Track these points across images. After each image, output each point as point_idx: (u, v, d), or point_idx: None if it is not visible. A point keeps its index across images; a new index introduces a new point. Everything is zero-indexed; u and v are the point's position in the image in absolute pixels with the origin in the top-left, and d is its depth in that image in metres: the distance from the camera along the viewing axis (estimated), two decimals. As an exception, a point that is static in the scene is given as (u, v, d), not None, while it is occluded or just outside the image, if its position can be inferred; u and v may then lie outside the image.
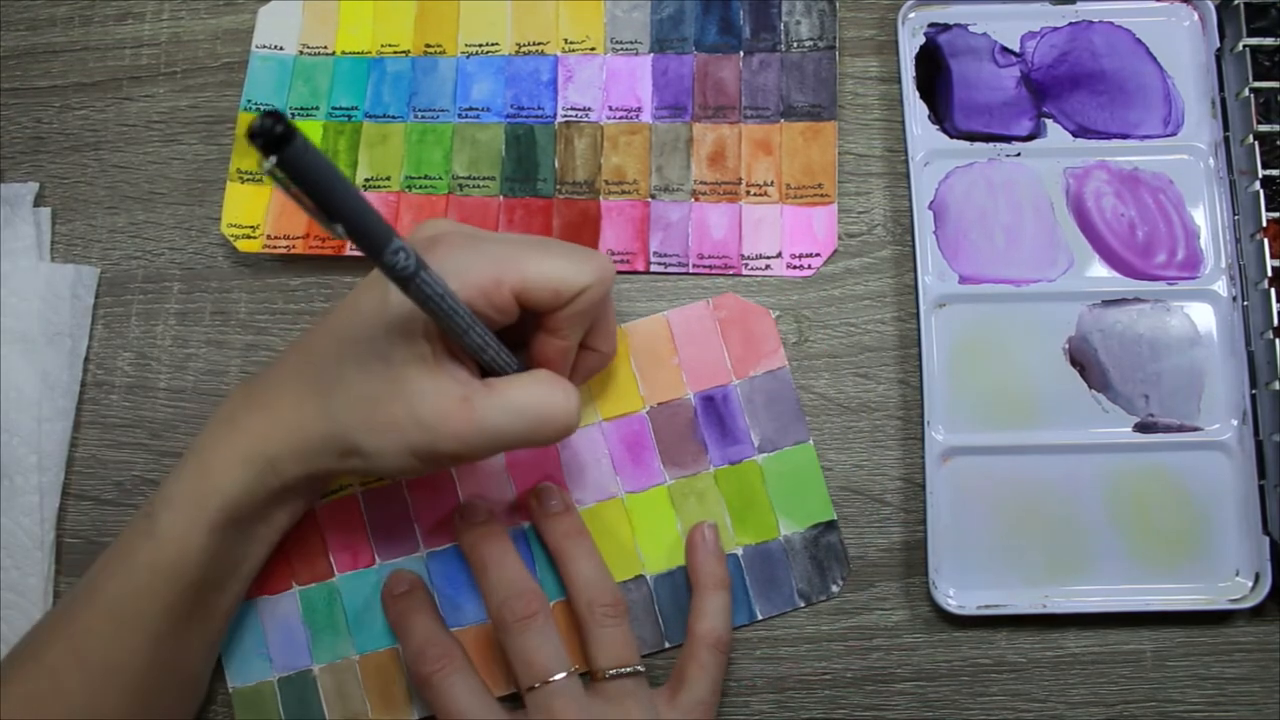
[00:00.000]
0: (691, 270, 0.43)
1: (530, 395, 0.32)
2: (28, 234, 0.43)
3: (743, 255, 0.42)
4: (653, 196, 0.43)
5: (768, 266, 0.42)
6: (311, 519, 0.40)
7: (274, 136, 0.22)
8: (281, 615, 0.40)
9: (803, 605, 0.39)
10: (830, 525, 0.40)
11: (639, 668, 0.36)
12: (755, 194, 0.43)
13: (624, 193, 0.43)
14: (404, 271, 0.27)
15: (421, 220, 0.40)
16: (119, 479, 0.42)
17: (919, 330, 0.41)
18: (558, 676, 0.34)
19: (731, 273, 0.42)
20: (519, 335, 0.35)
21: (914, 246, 0.42)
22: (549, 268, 0.32)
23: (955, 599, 0.39)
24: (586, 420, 0.41)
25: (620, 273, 0.43)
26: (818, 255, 0.42)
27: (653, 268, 0.43)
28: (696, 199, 0.43)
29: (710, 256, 0.43)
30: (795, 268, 0.42)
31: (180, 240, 0.44)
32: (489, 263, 0.32)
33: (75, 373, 0.42)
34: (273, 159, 0.22)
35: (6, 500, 0.40)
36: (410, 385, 0.31)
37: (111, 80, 0.46)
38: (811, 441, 0.41)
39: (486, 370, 0.34)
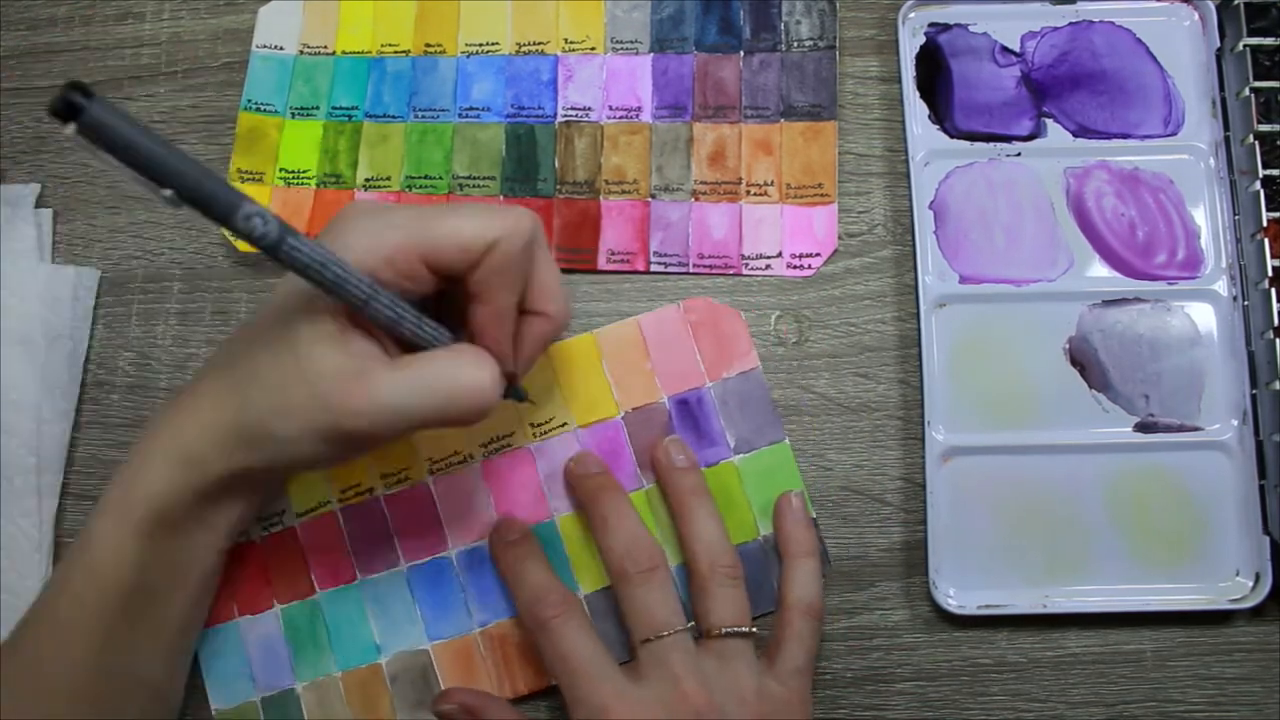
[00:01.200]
0: (692, 270, 0.42)
1: (439, 370, 0.31)
2: (29, 235, 0.43)
3: (743, 255, 0.42)
4: (653, 196, 0.43)
5: (768, 266, 0.42)
6: (291, 537, 0.40)
7: (68, 103, 0.21)
8: (263, 634, 0.39)
9: None
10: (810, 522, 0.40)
11: (753, 630, 0.36)
12: (755, 194, 0.43)
13: (624, 192, 0.43)
14: (264, 239, 0.26)
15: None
16: (119, 479, 0.42)
17: (919, 330, 0.41)
18: (674, 630, 0.34)
19: (732, 272, 0.42)
20: (459, 308, 0.33)
21: (914, 246, 0.42)
22: (452, 225, 0.31)
23: (955, 599, 0.39)
24: (562, 428, 0.41)
25: (620, 272, 0.43)
26: (818, 255, 0.42)
27: (653, 268, 0.42)
28: (697, 199, 0.43)
29: (710, 256, 0.42)
30: (795, 267, 0.42)
31: (181, 240, 0.44)
32: (391, 229, 0.31)
33: (75, 374, 0.42)
34: (71, 126, 0.22)
35: (5, 502, 0.40)
36: (312, 365, 0.30)
37: (112, 80, 0.46)
38: (787, 440, 0.41)
39: (412, 347, 0.32)
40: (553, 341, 0.37)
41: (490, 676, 0.39)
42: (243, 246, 0.43)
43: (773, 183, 0.43)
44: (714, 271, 0.42)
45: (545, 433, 0.41)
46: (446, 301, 0.34)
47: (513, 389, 0.37)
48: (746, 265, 0.42)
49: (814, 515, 0.40)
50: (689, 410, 0.41)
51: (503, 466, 0.40)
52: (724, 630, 0.35)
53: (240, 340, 0.34)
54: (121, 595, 0.33)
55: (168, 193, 0.24)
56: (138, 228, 0.44)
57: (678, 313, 0.42)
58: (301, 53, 0.45)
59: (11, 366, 0.41)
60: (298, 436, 0.31)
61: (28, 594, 0.40)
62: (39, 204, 0.44)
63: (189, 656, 0.38)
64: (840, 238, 0.43)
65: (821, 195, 0.43)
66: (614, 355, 0.41)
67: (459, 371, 0.31)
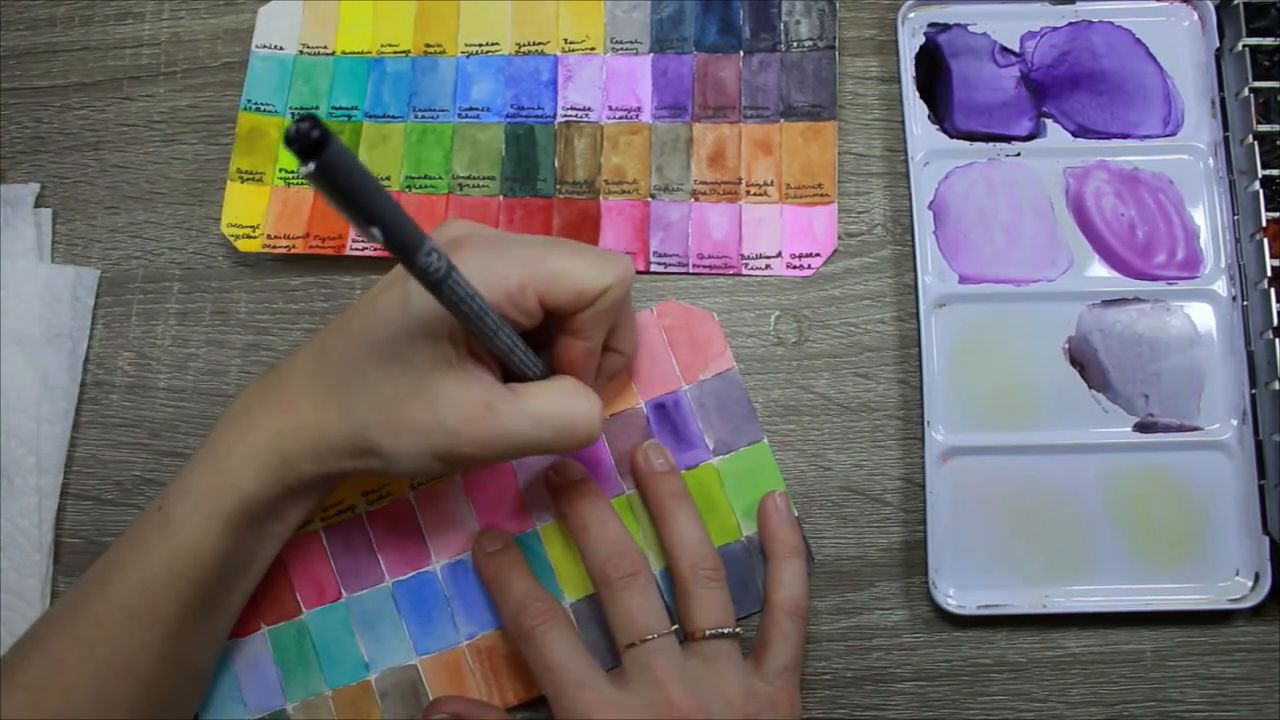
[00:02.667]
0: (691, 270, 0.42)
1: (554, 404, 0.32)
2: (28, 235, 0.43)
3: (743, 255, 0.42)
4: (653, 196, 0.43)
5: (768, 266, 0.42)
6: (276, 558, 0.39)
7: (311, 141, 0.22)
8: (252, 657, 0.39)
9: None
10: None
11: (737, 630, 0.36)
12: (755, 194, 0.43)
13: (624, 192, 0.43)
14: (436, 274, 0.27)
15: (419, 219, 0.39)
16: (119, 479, 0.42)
17: (919, 330, 0.41)
18: (658, 634, 0.34)
19: (731, 272, 0.42)
20: (541, 338, 0.35)
21: (914, 246, 0.42)
22: (571, 268, 0.32)
23: (955, 599, 0.39)
24: None
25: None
26: (818, 255, 0.42)
27: (653, 268, 0.42)
28: (696, 199, 0.43)
29: (710, 256, 0.42)
30: (795, 267, 0.42)
31: (180, 240, 0.44)
32: (513, 265, 0.32)
33: (75, 374, 0.42)
34: (311, 165, 0.22)
35: (5, 502, 0.40)
36: (433, 388, 0.31)
37: (112, 80, 0.46)
38: (766, 440, 0.40)
39: (511, 374, 0.34)
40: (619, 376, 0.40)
41: (480, 689, 0.39)
42: (243, 246, 0.43)
43: (772, 183, 0.43)
44: (714, 271, 0.42)
45: None
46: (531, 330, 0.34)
47: None
48: (746, 265, 0.42)
49: (796, 514, 0.40)
50: (666, 414, 0.40)
51: (483, 479, 0.40)
52: (708, 632, 0.35)
53: (338, 348, 0.34)
54: (202, 584, 0.33)
55: (375, 230, 0.24)
56: (137, 228, 0.44)
57: (651, 317, 0.41)
58: (301, 53, 0.45)
59: (11, 366, 0.41)
60: (409, 453, 0.32)
61: (28, 593, 0.40)
62: (38, 204, 0.44)
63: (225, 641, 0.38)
64: (840, 238, 0.43)
65: (821, 195, 0.42)
66: None
67: (575, 406, 0.33)
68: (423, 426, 0.31)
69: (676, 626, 0.35)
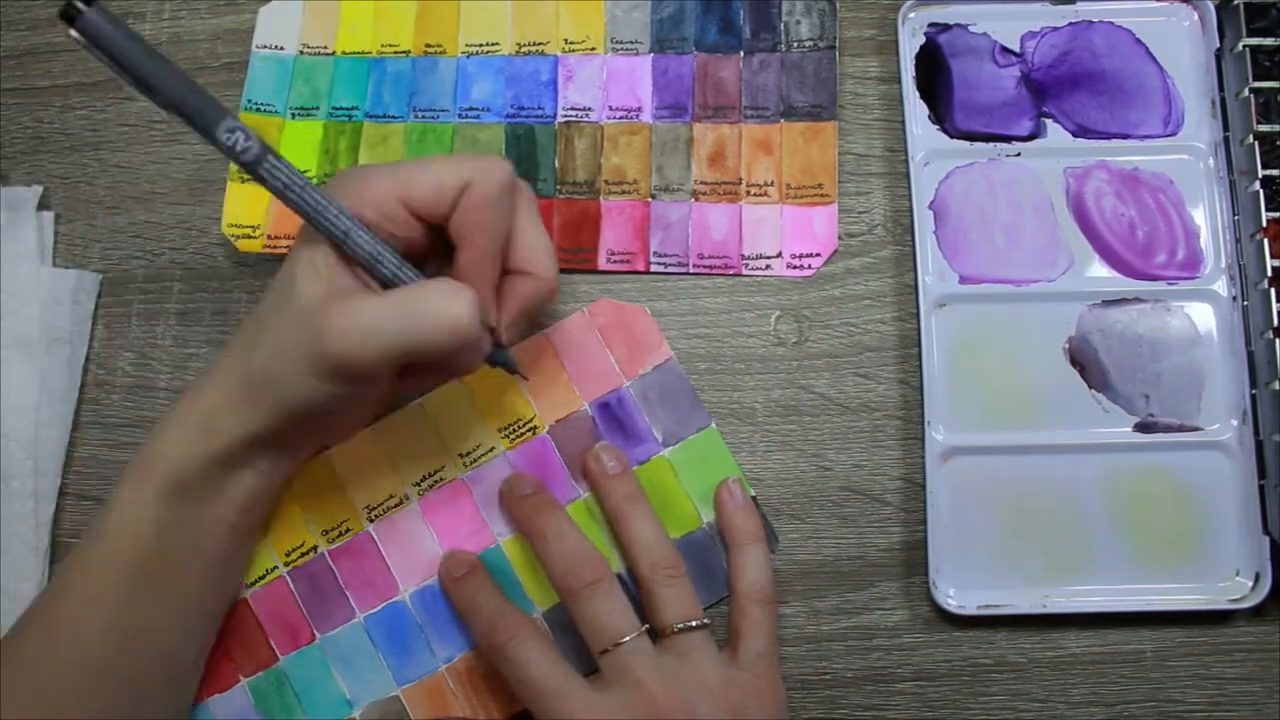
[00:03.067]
0: (691, 270, 0.42)
1: (417, 294, 0.31)
2: (30, 238, 0.43)
3: (743, 255, 0.42)
4: (653, 196, 0.43)
5: (768, 266, 0.42)
6: (244, 608, 0.39)
7: (74, 6, 0.26)
8: (234, 710, 0.39)
9: None
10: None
11: (705, 621, 0.36)
12: (755, 194, 0.42)
13: (624, 193, 0.43)
14: (246, 153, 0.28)
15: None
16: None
17: (919, 330, 0.41)
18: (630, 637, 0.34)
19: (732, 273, 0.42)
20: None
21: (914, 246, 0.42)
22: (431, 167, 0.32)
23: (955, 599, 0.39)
24: (490, 453, 0.40)
25: (620, 272, 0.42)
26: (818, 255, 0.42)
27: (653, 268, 0.42)
28: (696, 199, 0.43)
29: (710, 256, 0.42)
30: (795, 267, 0.42)
31: (181, 240, 0.44)
32: (378, 175, 0.32)
33: (74, 378, 0.42)
34: (72, 31, 0.26)
35: (3, 505, 0.40)
36: (300, 296, 0.32)
37: (112, 80, 0.46)
38: (714, 424, 0.40)
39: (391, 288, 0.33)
40: (540, 306, 0.36)
41: (463, 710, 0.39)
42: (243, 246, 0.43)
43: (772, 183, 0.42)
44: (714, 272, 0.42)
45: (475, 461, 0.40)
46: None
47: (499, 354, 0.36)
48: (746, 265, 0.42)
49: (753, 494, 0.40)
50: (611, 412, 0.40)
51: (439, 501, 0.40)
52: (676, 627, 0.35)
53: (259, 306, 0.35)
54: (140, 558, 0.33)
55: (160, 97, 0.27)
56: (138, 228, 0.44)
57: (584, 318, 0.41)
58: (301, 53, 0.45)
59: (10, 369, 0.41)
60: (291, 371, 0.32)
61: (24, 597, 0.39)
62: (40, 207, 0.44)
63: (207, 648, 0.38)
64: (840, 238, 0.42)
65: (821, 195, 0.42)
66: (529, 371, 0.41)
67: (437, 298, 0.31)
68: (294, 337, 0.31)
69: (647, 626, 0.35)
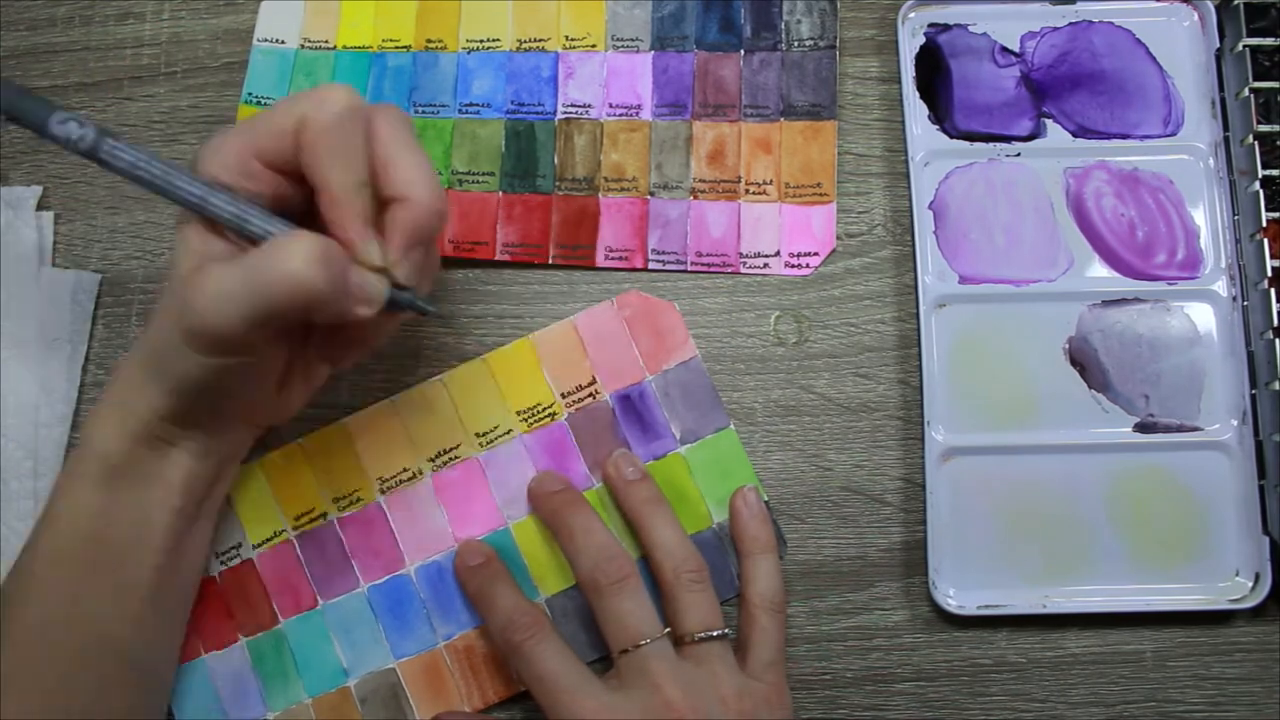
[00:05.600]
0: (689, 268, 0.41)
1: (261, 255, 0.28)
2: (30, 238, 0.42)
3: (741, 253, 0.41)
4: (652, 194, 0.42)
5: (766, 265, 0.41)
6: (250, 569, 0.39)
7: None
8: (232, 668, 0.38)
9: None
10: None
11: (725, 631, 0.35)
12: (754, 192, 0.41)
13: (623, 190, 0.42)
14: (82, 142, 0.27)
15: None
16: (119, 479, 0.41)
17: (919, 330, 0.40)
18: (651, 639, 0.33)
19: (730, 271, 0.41)
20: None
21: (914, 246, 0.41)
22: (268, 114, 0.30)
23: (955, 599, 0.38)
24: (507, 435, 0.39)
25: (618, 270, 0.41)
26: (816, 254, 0.41)
27: (651, 265, 0.41)
28: (695, 197, 0.42)
29: (708, 255, 0.41)
30: (793, 266, 0.41)
31: (180, 240, 0.43)
32: (229, 136, 0.30)
33: (73, 379, 0.40)
34: None
35: (2, 505, 0.39)
36: (175, 274, 0.31)
37: (112, 80, 0.44)
38: (732, 426, 0.39)
39: None
40: (428, 232, 0.31)
41: (459, 689, 0.38)
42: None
43: (771, 181, 0.41)
44: (712, 270, 0.41)
45: (491, 442, 0.39)
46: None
47: (402, 296, 0.31)
48: (744, 264, 0.41)
49: (766, 499, 0.38)
50: (631, 405, 0.39)
51: (453, 479, 0.39)
52: (698, 636, 0.34)
53: None
54: (80, 545, 0.32)
55: None
56: (137, 228, 0.43)
57: (612, 309, 0.40)
58: (303, 46, 0.44)
59: (10, 370, 0.40)
60: (171, 348, 0.30)
61: None
62: (40, 207, 0.43)
63: (173, 650, 0.36)
64: (840, 238, 0.41)
65: (820, 195, 0.41)
66: (552, 357, 0.40)
67: (275, 253, 0.28)
68: (171, 315, 0.30)
69: (669, 630, 0.34)
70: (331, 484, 0.39)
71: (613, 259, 0.41)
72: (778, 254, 0.41)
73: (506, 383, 0.40)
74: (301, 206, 0.31)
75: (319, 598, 0.39)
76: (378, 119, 0.30)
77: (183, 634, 0.37)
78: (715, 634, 0.34)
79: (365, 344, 0.34)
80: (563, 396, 0.39)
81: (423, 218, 0.30)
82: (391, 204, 0.30)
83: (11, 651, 0.32)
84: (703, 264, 0.41)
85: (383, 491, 0.39)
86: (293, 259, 0.28)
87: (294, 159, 0.30)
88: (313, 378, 0.36)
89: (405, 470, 0.39)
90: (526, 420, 0.39)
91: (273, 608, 0.38)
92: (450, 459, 0.39)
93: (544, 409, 0.39)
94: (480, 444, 0.39)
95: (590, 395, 0.39)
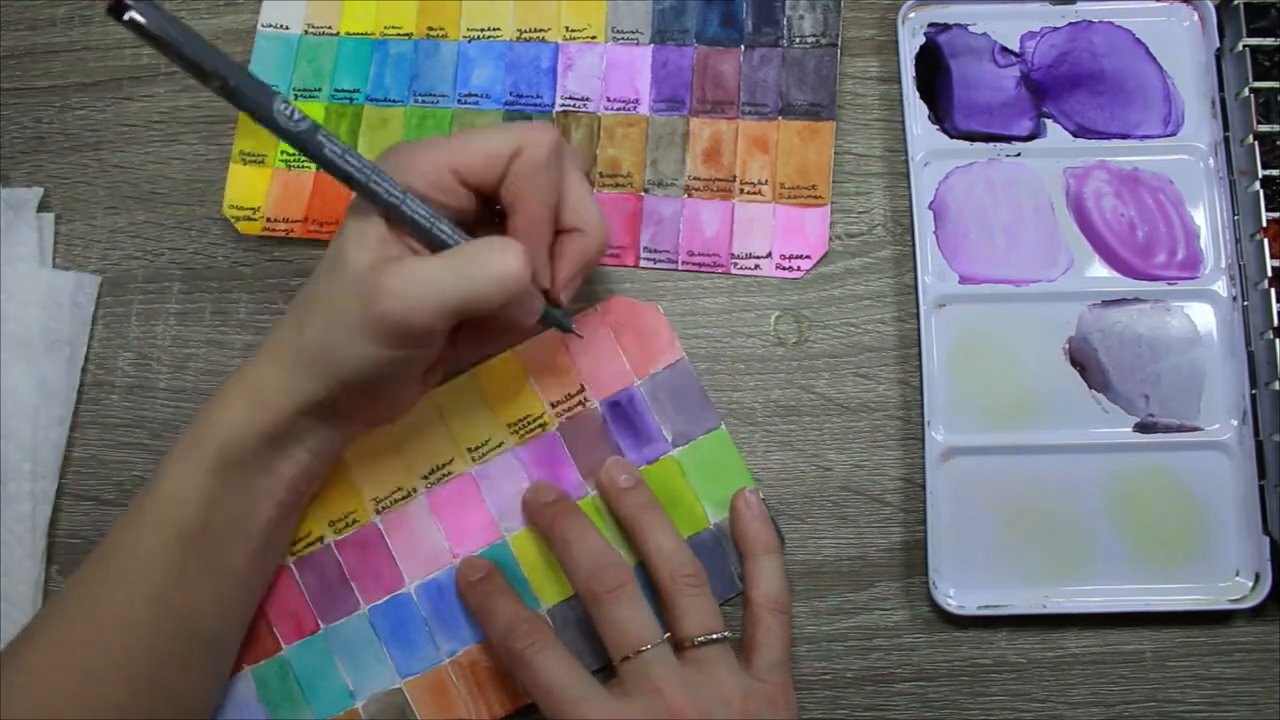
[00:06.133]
0: (681, 267, 0.41)
1: (469, 251, 0.31)
2: (30, 239, 0.41)
3: (733, 254, 0.40)
4: (646, 191, 0.41)
5: (757, 266, 0.41)
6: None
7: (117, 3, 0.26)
8: (238, 699, 0.38)
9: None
10: None
11: (726, 633, 0.34)
12: (748, 192, 0.41)
13: (617, 185, 0.41)
14: (297, 127, 0.28)
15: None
16: (119, 479, 0.40)
17: (919, 330, 0.39)
18: (652, 645, 0.33)
19: (720, 271, 0.41)
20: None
21: (914, 246, 0.40)
22: (482, 136, 0.32)
23: (955, 599, 0.38)
24: (499, 449, 0.39)
25: (610, 267, 0.41)
26: (808, 257, 0.41)
27: (642, 263, 0.41)
28: (689, 195, 0.41)
29: (700, 254, 0.41)
30: (785, 268, 0.40)
31: (180, 240, 0.42)
32: (429, 147, 0.32)
33: (73, 380, 0.40)
34: (128, 15, 0.26)
35: (1, 507, 0.38)
36: (353, 264, 0.31)
37: (112, 80, 0.44)
38: (723, 426, 0.39)
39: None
40: (592, 263, 0.35)
41: (466, 704, 0.37)
42: (243, 228, 0.41)
43: (766, 182, 0.41)
44: (703, 269, 0.41)
45: (483, 456, 0.39)
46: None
47: (554, 313, 0.35)
48: (736, 264, 0.41)
49: (764, 497, 0.38)
50: (621, 410, 0.39)
51: (447, 495, 0.39)
52: (698, 640, 0.34)
53: (307, 284, 0.34)
54: (186, 531, 0.33)
55: (216, 83, 0.27)
56: (137, 228, 0.43)
57: (597, 316, 0.40)
58: (306, 32, 0.43)
59: (9, 371, 0.39)
60: (344, 338, 0.31)
61: (20, 599, 0.38)
62: (41, 208, 0.42)
63: (244, 627, 0.37)
64: (840, 238, 0.41)
65: (814, 197, 0.41)
66: (539, 367, 0.39)
67: (488, 253, 0.31)
68: (347, 304, 0.31)
69: (669, 634, 0.34)
70: (326, 507, 0.39)
71: (606, 256, 0.41)
72: (769, 255, 0.40)
73: (495, 396, 0.39)
74: (467, 223, 0.33)
75: (320, 622, 0.38)
76: (567, 158, 0.34)
77: (253, 612, 0.38)
78: (716, 637, 0.34)
79: (499, 344, 0.39)
80: (552, 406, 0.39)
81: (592, 250, 0.34)
82: (564, 233, 0.34)
83: (100, 629, 0.32)
84: (694, 263, 0.41)
85: (378, 512, 0.39)
86: (507, 256, 0.30)
87: (495, 181, 0.32)
88: (431, 380, 0.37)
89: (399, 489, 0.39)
90: (517, 432, 0.39)
91: (275, 634, 0.38)
92: (444, 475, 0.39)
93: (534, 420, 0.39)
94: (473, 459, 0.39)
95: (580, 403, 0.39)
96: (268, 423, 0.33)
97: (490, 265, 0.30)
